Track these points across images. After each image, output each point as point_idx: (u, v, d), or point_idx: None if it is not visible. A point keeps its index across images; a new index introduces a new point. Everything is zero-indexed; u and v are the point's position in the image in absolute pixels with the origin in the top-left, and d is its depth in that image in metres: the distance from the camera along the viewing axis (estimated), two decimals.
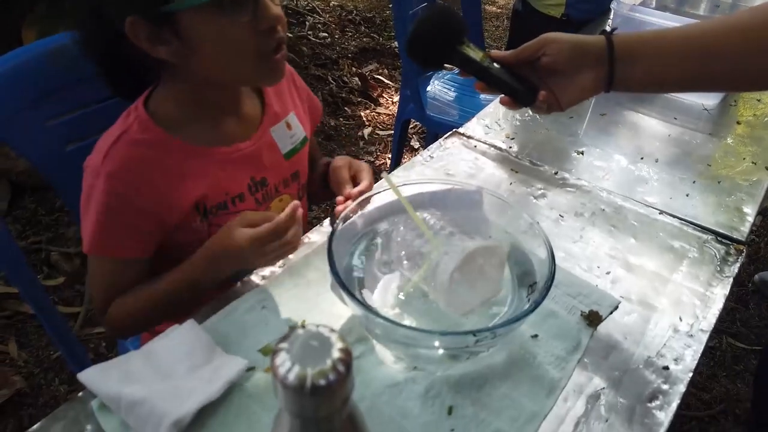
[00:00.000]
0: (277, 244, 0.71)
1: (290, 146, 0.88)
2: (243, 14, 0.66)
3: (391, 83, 3.00)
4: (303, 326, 0.35)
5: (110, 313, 0.79)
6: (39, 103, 0.86)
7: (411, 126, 2.58)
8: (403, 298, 0.69)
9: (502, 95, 0.75)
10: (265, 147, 0.84)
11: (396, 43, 3.22)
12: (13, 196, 1.96)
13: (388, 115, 2.77)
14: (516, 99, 0.75)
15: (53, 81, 0.87)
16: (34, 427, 0.61)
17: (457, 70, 1.82)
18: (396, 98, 2.86)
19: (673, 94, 1.29)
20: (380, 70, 3.10)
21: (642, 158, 1.11)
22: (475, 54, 0.74)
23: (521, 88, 0.74)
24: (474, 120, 1.21)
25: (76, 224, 1.98)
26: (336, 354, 0.33)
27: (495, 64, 0.74)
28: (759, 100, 1.32)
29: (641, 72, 0.71)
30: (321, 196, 1.00)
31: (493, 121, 1.20)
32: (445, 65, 0.77)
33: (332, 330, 0.35)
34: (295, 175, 0.90)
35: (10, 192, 1.95)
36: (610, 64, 0.70)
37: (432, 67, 0.79)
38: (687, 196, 1.01)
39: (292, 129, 0.89)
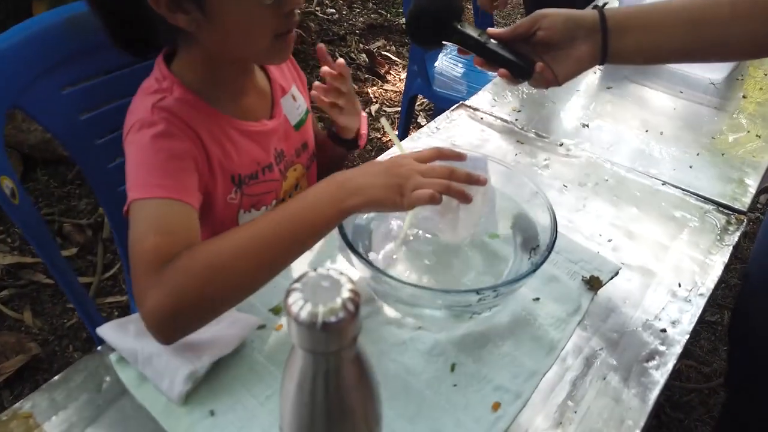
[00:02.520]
0: (442, 165, 0.65)
1: (297, 117, 0.91)
2: None
3: (398, 60, 2.99)
4: (315, 269, 0.37)
5: (178, 260, 0.59)
6: (54, 71, 0.88)
7: (418, 103, 2.58)
8: (401, 247, 0.72)
9: (501, 69, 0.77)
10: (282, 120, 0.87)
11: (404, 19, 3.20)
12: (26, 169, 1.99)
13: (396, 92, 2.77)
14: (514, 72, 0.76)
15: (68, 49, 0.89)
16: (56, 378, 0.64)
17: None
18: (403, 75, 2.85)
19: (678, 67, 1.29)
20: (388, 47, 3.09)
21: (647, 131, 1.12)
22: (472, 31, 0.76)
23: (518, 61, 0.76)
24: (480, 93, 1.22)
25: (88, 197, 2.00)
26: (346, 294, 0.36)
27: (492, 41, 0.77)
28: (766, 75, 1.32)
29: (633, 42, 0.73)
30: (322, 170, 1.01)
31: (500, 94, 1.21)
32: (444, 43, 0.79)
33: (342, 273, 0.37)
34: (304, 145, 0.93)
35: (23, 165, 1.98)
36: (603, 36, 0.72)
37: (432, 45, 0.82)
38: (690, 167, 1.02)
39: (297, 101, 0.91)
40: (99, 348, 0.67)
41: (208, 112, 0.75)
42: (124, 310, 1.65)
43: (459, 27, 0.76)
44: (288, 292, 0.36)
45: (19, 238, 1.81)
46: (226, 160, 0.77)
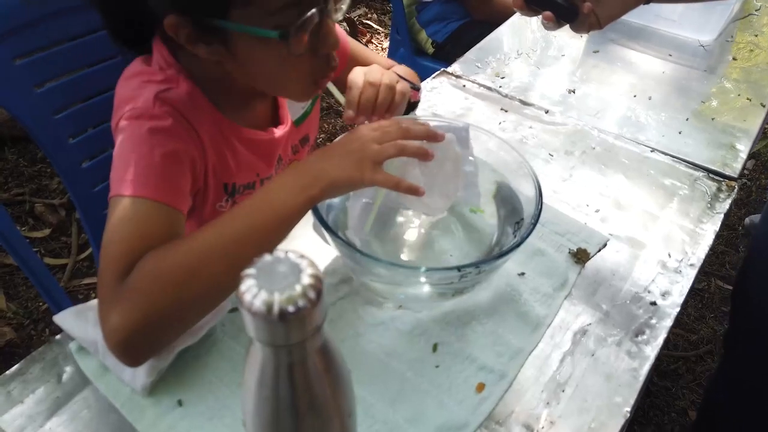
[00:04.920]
0: (395, 126, 0.62)
1: (300, 111, 0.82)
2: (305, 43, 0.60)
3: (380, 29, 2.91)
4: (271, 253, 0.33)
5: (142, 266, 0.54)
6: (5, 41, 0.82)
7: None
8: (370, 226, 0.68)
9: (545, 12, 0.71)
10: (289, 126, 0.79)
11: None
12: None
13: None
14: (559, 15, 0.71)
15: (19, 18, 0.83)
16: (13, 369, 0.60)
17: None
18: (386, 44, 2.78)
19: (668, 28, 1.25)
20: (369, 15, 3.01)
21: (635, 96, 1.08)
22: None
23: (564, 3, 0.70)
24: (463, 59, 1.17)
25: (58, 175, 1.94)
26: (306, 280, 0.32)
27: None
28: (756, 36, 1.28)
29: None
30: None
31: (483, 60, 1.16)
32: None
33: (302, 256, 0.33)
34: (304, 139, 0.85)
35: None
36: None
37: None
38: (680, 133, 0.99)
39: None
40: (58, 337, 0.63)
41: (212, 114, 0.68)
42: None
43: None
44: (240, 279, 0.32)
45: None
46: (222, 168, 0.70)
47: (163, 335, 0.55)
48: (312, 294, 0.31)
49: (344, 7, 0.63)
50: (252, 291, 0.31)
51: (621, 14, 0.71)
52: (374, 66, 0.76)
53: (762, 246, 0.95)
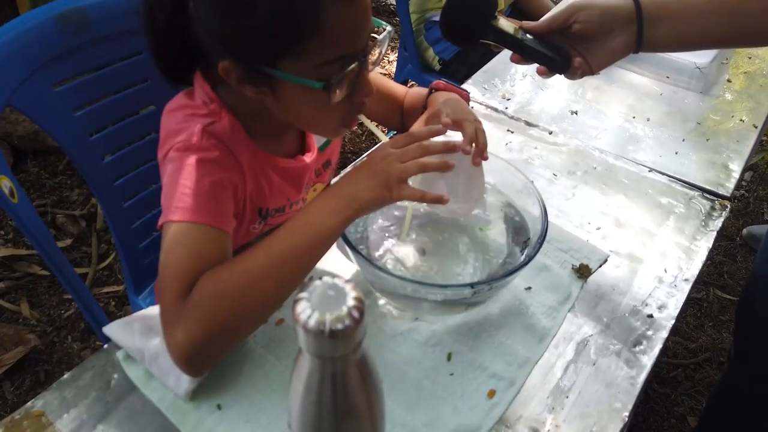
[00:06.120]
0: (414, 144, 0.66)
1: (324, 138, 0.87)
2: (344, 91, 0.65)
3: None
4: (320, 278, 0.39)
5: (201, 286, 0.59)
6: (46, 69, 0.88)
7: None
8: (406, 239, 0.75)
9: (539, 67, 0.77)
10: (316, 153, 0.85)
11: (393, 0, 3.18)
12: (16, 160, 1.98)
13: (385, 75, 2.76)
14: (552, 68, 0.76)
15: (58, 46, 0.89)
16: (66, 376, 0.66)
17: None
18: (393, 58, 2.84)
19: (667, 53, 1.31)
20: (376, 29, 3.07)
21: (634, 117, 1.14)
22: (508, 27, 0.75)
23: (556, 56, 0.75)
24: (470, 80, 1.23)
25: (80, 187, 1.99)
26: (351, 302, 0.38)
27: (528, 36, 0.76)
28: (750, 58, 1.34)
29: (668, 31, 0.74)
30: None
31: (490, 82, 1.22)
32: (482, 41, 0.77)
33: (347, 281, 0.39)
34: (326, 163, 0.90)
35: (12, 156, 1.97)
36: (639, 26, 0.73)
37: (468, 44, 0.80)
38: (676, 153, 1.05)
39: None
40: (105, 346, 0.69)
41: (250, 146, 0.73)
42: (121, 300, 1.67)
43: (495, 24, 0.74)
44: (295, 302, 0.37)
45: (12, 230, 1.81)
46: (258, 194, 0.76)
47: (222, 348, 0.61)
48: (356, 314, 0.37)
49: (379, 58, 0.69)
50: (306, 312, 0.37)
51: (610, 63, 0.77)
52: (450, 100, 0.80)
53: (766, 263, 1.00)
